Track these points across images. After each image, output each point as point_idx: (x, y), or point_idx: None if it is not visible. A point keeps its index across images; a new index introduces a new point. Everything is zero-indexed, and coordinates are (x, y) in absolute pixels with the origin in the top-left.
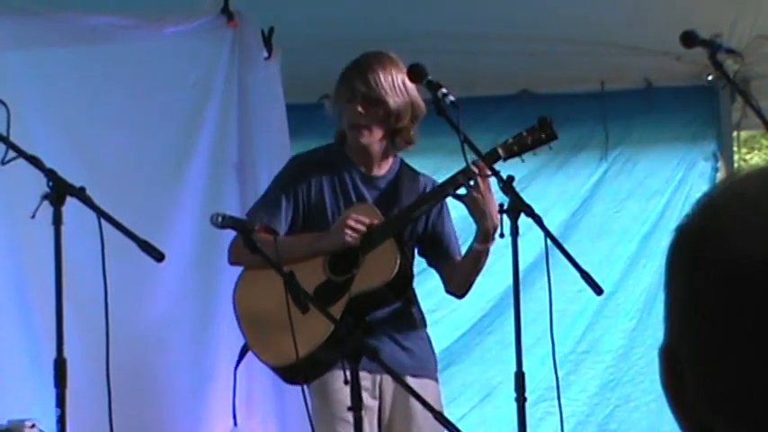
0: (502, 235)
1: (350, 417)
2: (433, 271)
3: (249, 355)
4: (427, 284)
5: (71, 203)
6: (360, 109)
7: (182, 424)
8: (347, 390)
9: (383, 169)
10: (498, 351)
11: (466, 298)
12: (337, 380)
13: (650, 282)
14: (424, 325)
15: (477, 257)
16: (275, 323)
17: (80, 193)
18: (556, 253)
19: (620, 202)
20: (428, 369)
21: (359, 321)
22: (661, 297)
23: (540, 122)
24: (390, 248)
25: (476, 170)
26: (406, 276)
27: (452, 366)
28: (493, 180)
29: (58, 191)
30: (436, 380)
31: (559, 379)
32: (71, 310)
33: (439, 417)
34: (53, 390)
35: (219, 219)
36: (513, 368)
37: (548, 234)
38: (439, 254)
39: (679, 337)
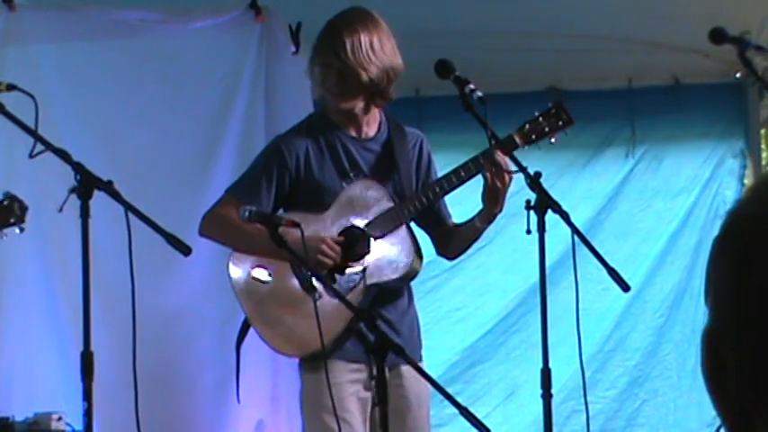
0: (529, 231)
1: (347, 416)
2: (458, 269)
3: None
4: (453, 282)
5: (99, 197)
6: (335, 79)
7: (207, 418)
8: (349, 387)
9: (372, 128)
10: (524, 350)
11: (490, 295)
12: (340, 373)
13: (678, 279)
14: (412, 296)
15: (476, 232)
16: (286, 310)
17: (108, 187)
18: (580, 251)
19: (647, 200)
20: (416, 353)
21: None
22: (690, 294)
23: (555, 106)
24: (406, 238)
25: (500, 159)
26: (419, 268)
27: (477, 365)
28: (520, 176)
29: (86, 184)
30: (421, 358)
31: (586, 377)
32: (98, 304)
33: (460, 407)
34: (80, 383)
35: (247, 213)
36: (539, 366)
37: (575, 230)
38: (431, 217)
39: (725, 323)
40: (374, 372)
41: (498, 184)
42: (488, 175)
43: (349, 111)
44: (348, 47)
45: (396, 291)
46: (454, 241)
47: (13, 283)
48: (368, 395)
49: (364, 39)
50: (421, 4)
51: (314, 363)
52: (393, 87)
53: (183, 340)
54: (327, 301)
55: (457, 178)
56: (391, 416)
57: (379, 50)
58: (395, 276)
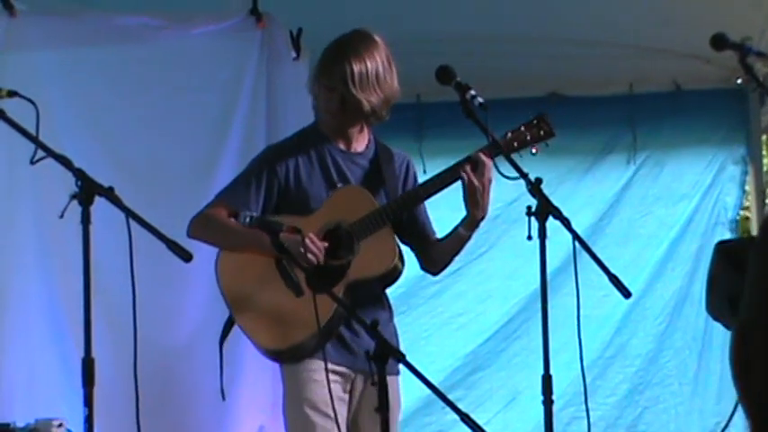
0: (530, 237)
1: (331, 413)
2: (459, 274)
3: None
4: (454, 288)
5: (100, 203)
6: (337, 103)
7: (208, 424)
8: (333, 385)
9: (361, 145)
10: (525, 356)
11: (491, 302)
12: (320, 372)
13: (679, 286)
14: (392, 311)
15: (460, 241)
16: (272, 307)
17: (109, 193)
18: (581, 258)
19: (648, 206)
20: (394, 366)
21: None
22: (691, 301)
23: (538, 118)
24: (388, 238)
25: (483, 159)
26: (401, 267)
27: (479, 371)
28: (521, 182)
29: (87, 190)
30: (398, 371)
31: (587, 384)
32: (99, 310)
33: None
34: (81, 389)
35: (248, 219)
36: (540, 373)
37: (576, 236)
38: (415, 232)
39: (756, 319)
40: (357, 379)
41: (476, 183)
42: (465, 175)
43: (345, 131)
44: (357, 77)
45: (377, 301)
46: (438, 254)
47: (15, 288)
48: (345, 396)
49: (371, 68)
50: (422, 11)
51: (294, 355)
52: (388, 110)
53: (184, 346)
54: (308, 300)
55: (440, 181)
56: (363, 420)
57: (383, 80)
58: (377, 273)
